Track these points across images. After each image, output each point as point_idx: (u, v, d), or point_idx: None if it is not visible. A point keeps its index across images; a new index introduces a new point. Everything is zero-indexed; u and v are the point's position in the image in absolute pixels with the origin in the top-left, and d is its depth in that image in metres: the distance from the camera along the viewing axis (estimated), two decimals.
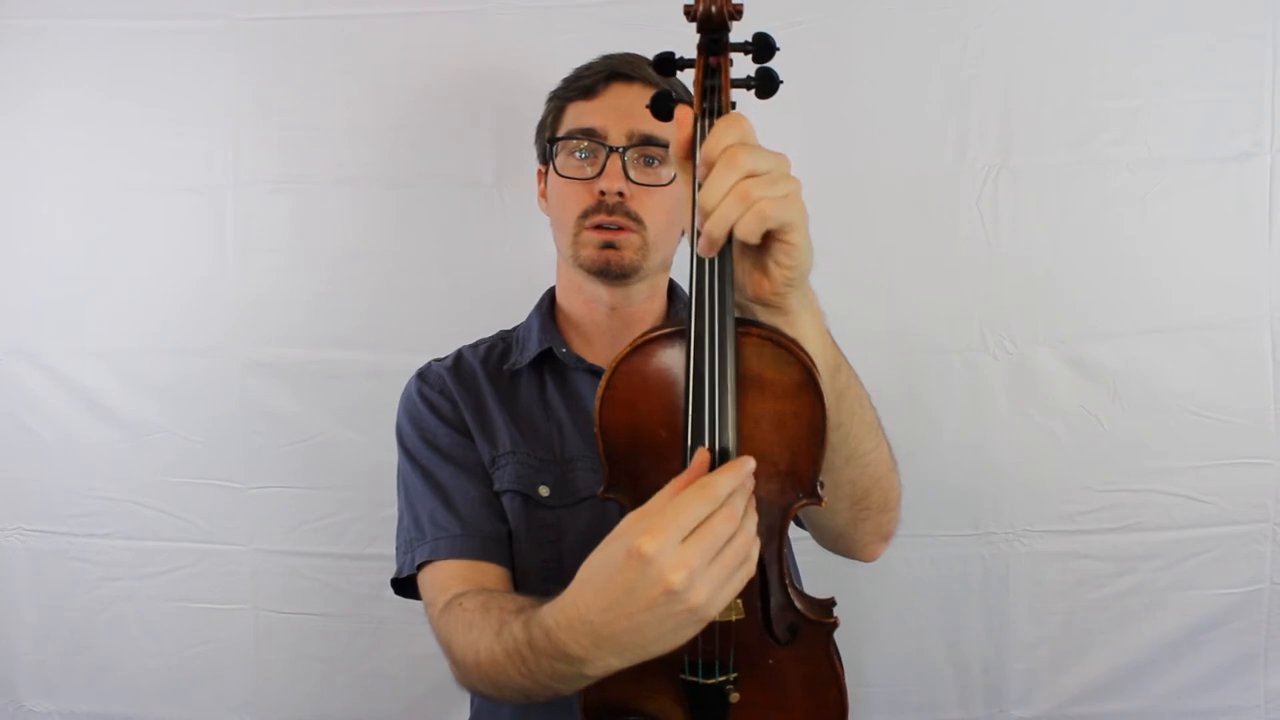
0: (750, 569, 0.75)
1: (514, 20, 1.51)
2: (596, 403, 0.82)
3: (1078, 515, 1.53)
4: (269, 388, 1.57)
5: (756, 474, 0.76)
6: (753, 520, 0.75)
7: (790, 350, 0.79)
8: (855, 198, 1.50)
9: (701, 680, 0.85)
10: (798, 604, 0.88)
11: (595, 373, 1.14)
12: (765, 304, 0.81)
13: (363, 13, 1.52)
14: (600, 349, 1.17)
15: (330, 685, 1.61)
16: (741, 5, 0.80)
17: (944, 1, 1.49)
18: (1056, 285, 1.51)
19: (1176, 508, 1.52)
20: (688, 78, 0.84)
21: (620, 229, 1.09)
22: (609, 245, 1.09)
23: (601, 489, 0.85)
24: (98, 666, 1.63)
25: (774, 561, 0.86)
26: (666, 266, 1.18)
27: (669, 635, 0.75)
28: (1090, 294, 1.50)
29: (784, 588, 0.87)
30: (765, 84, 0.81)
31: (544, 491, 1.09)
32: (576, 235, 1.10)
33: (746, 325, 0.80)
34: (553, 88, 1.19)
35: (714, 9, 0.79)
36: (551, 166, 1.15)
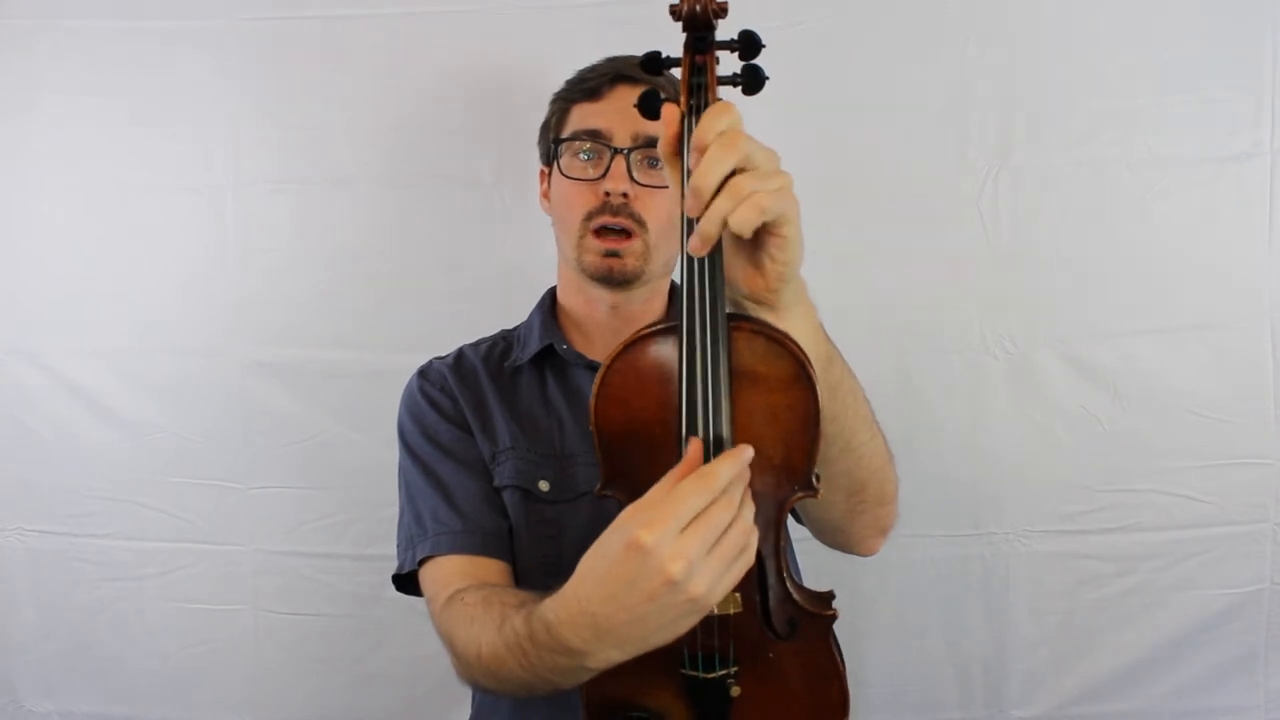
0: (749, 558, 0.75)
1: (514, 20, 1.51)
2: (591, 400, 0.83)
3: (1078, 515, 1.53)
4: (269, 387, 1.57)
5: (752, 468, 0.76)
6: (750, 509, 0.75)
7: (782, 344, 0.80)
8: (855, 198, 1.50)
9: (702, 675, 0.85)
10: (797, 597, 0.88)
11: (595, 369, 1.14)
12: (758, 299, 0.81)
13: (363, 13, 1.52)
14: (601, 346, 1.17)
15: (330, 685, 1.61)
16: (726, 4, 0.81)
17: (944, 1, 1.49)
18: (1056, 285, 1.51)
19: (1176, 508, 1.52)
20: (677, 76, 0.85)
21: (623, 234, 1.09)
22: (612, 254, 1.10)
23: (598, 486, 0.85)
24: (98, 666, 1.63)
25: (772, 555, 0.86)
26: (669, 269, 1.19)
27: (670, 626, 0.75)
28: (1090, 294, 1.50)
29: (782, 581, 0.87)
30: (751, 80, 0.82)
31: (544, 486, 1.10)
32: (580, 239, 1.11)
33: (738, 319, 0.80)
34: (553, 87, 1.19)
35: (699, 7, 0.80)
36: (555, 167, 1.15)
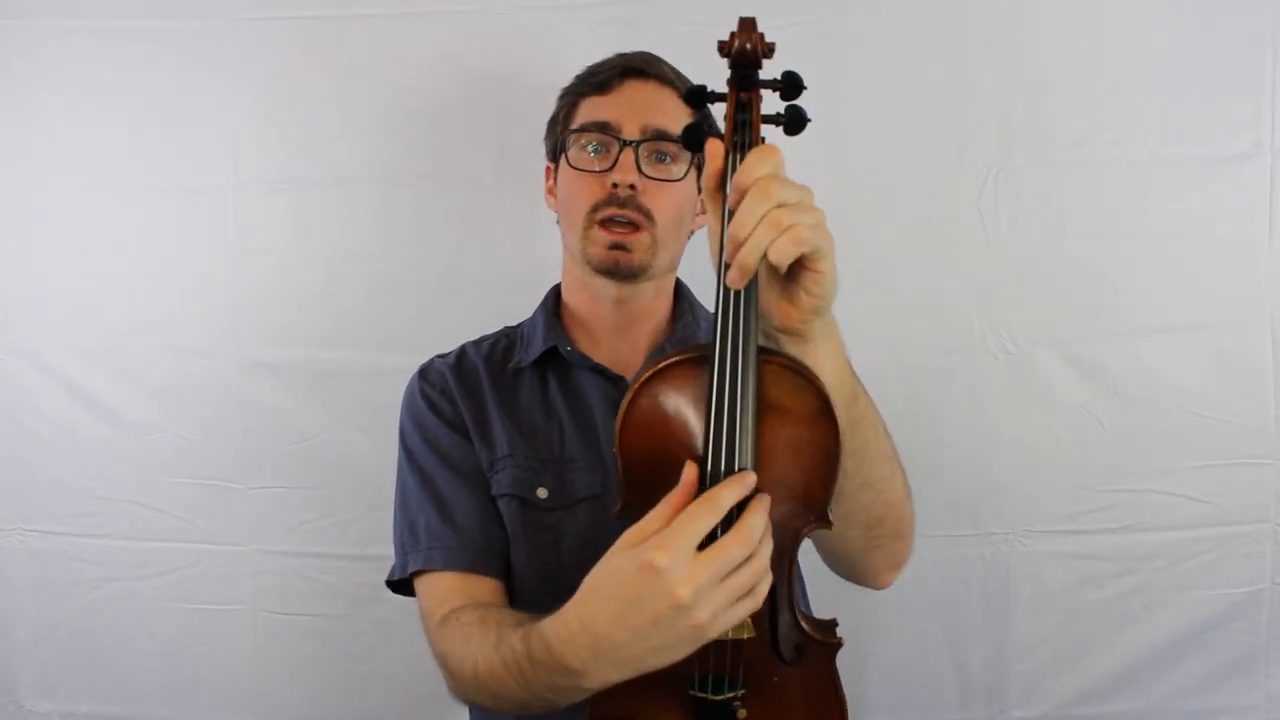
0: (757, 600, 0.77)
1: (514, 20, 1.51)
2: (617, 423, 0.84)
3: (1078, 515, 1.53)
4: (269, 387, 1.57)
5: (771, 497, 0.78)
6: (768, 549, 0.77)
7: (809, 379, 0.82)
8: (855, 198, 1.50)
9: (711, 696, 0.86)
10: (804, 625, 0.90)
11: (600, 371, 1.15)
12: (789, 332, 0.83)
13: (363, 13, 1.52)
14: (606, 346, 1.17)
15: (330, 685, 1.61)
16: (774, 44, 0.82)
17: (944, 2, 1.49)
18: (1056, 285, 1.51)
19: (1176, 508, 1.52)
20: (720, 111, 0.86)
21: (630, 226, 1.09)
22: (619, 246, 1.09)
23: (617, 508, 0.86)
24: (98, 667, 1.63)
25: (783, 582, 0.87)
26: (674, 266, 1.18)
27: (669, 650, 0.76)
28: (1090, 294, 1.50)
29: (792, 609, 0.89)
30: (794, 121, 0.84)
31: (542, 494, 1.09)
32: (586, 231, 1.10)
33: (768, 353, 0.82)
34: (554, 87, 1.19)
35: (748, 46, 0.81)
36: (563, 160, 1.14)
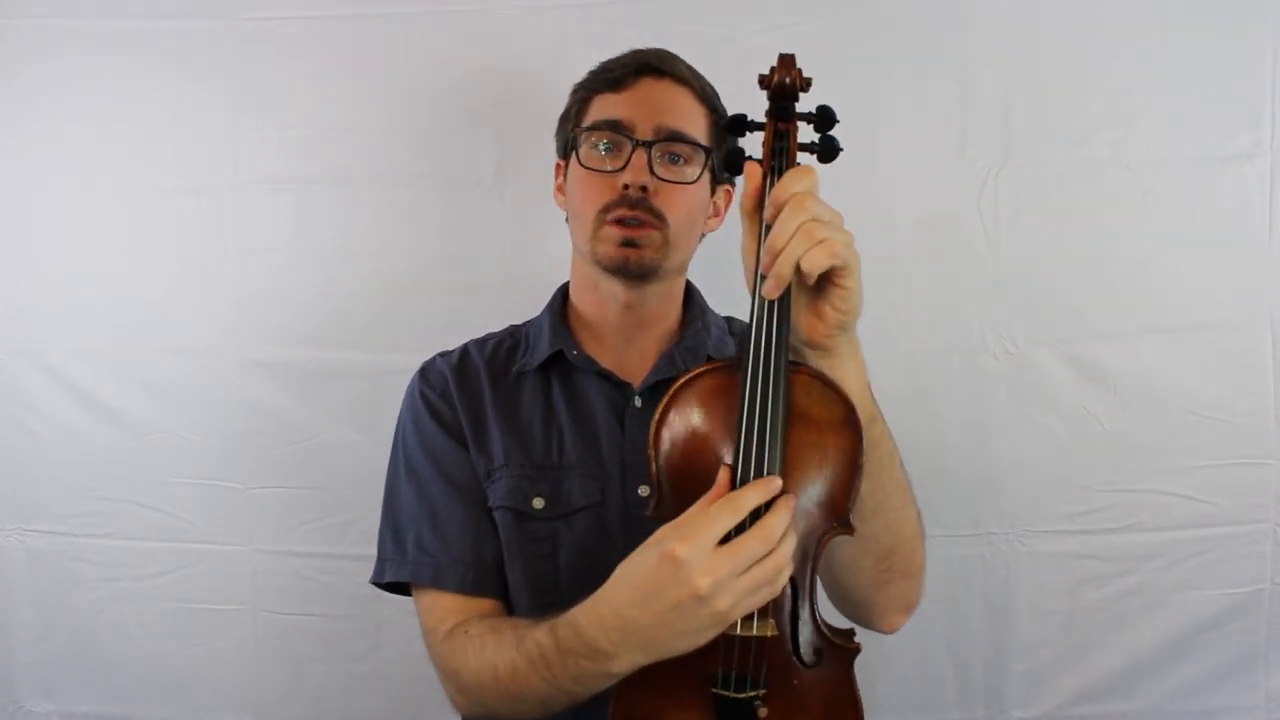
0: (775, 589, 0.81)
1: (514, 20, 1.51)
2: (653, 425, 0.88)
3: (1078, 515, 1.53)
4: (269, 387, 1.57)
5: (795, 499, 0.83)
6: (790, 544, 0.81)
7: (835, 389, 0.88)
8: (855, 198, 1.48)
9: (733, 694, 0.88)
10: (824, 628, 0.93)
11: (605, 376, 1.13)
12: (815, 346, 0.88)
13: (363, 13, 1.52)
14: (613, 350, 1.15)
15: (330, 685, 1.61)
16: (810, 79, 0.89)
17: (944, 2, 1.49)
18: (1056, 285, 1.51)
19: (1176, 508, 1.52)
20: (758, 139, 0.92)
21: (641, 225, 1.07)
22: (629, 243, 1.07)
23: (650, 509, 0.89)
24: (97, 667, 1.63)
25: (805, 586, 0.90)
26: (684, 268, 1.17)
27: (692, 635, 0.81)
28: (1090, 294, 1.50)
29: (813, 612, 0.92)
30: (826, 150, 0.90)
31: (538, 504, 1.08)
32: (596, 230, 1.08)
33: (797, 365, 0.88)
34: (554, 87, 1.19)
35: (788, 80, 0.88)
36: (574, 158, 1.12)
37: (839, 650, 0.93)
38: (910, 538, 1.00)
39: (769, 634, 0.87)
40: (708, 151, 1.10)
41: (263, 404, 1.57)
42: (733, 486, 0.83)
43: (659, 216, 1.07)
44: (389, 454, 1.17)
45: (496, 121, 1.52)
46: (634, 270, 1.08)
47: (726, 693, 0.88)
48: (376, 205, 1.55)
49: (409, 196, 1.55)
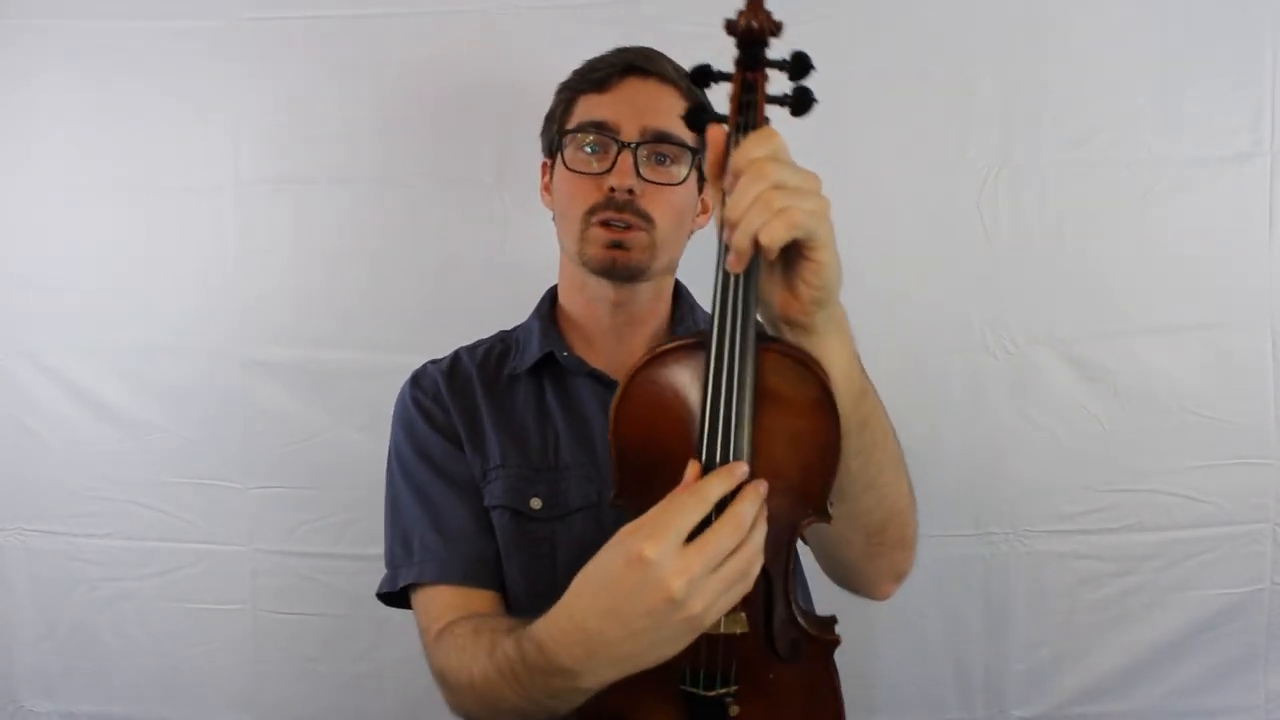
0: (748, 584, 0.75)
1: (513, 21, 1.51)
2: (612, 410, 0.82)
3: (1078, 515, 1.53)
4: (269, 388, 1.57)
5: (768, 489, 0.77)
6: (761, 533, 0.75)
7: (808, 367, 0.80)
8: (855, 198, 1.49)
9: (702, 692, 0.84)
10: (801, 621, 0.88)
11: (597, 377, 1.12)
12: (792, 323, 0.80)
13: (363, 13, 1.52)
14: (603, 351, 1.14)
15: (329, 685, 1.61)
16: (781, 22, 0.80)
17: (944, 1, 1.49)
18: (1056, 285, 1.51)
19: (1176, 508, 1.52)
20: (725, 91, 0.84)
21: (629, 228, 1.06)
22: (616, 245, 1.06)
23: (611, 495, 0.85)
24: (98, 667, 1.63)
25: (780, 576, 0.86)
26: (673, 268, 1.16)
27: (665, 644, 0.75)
28: (1090, 294, 1.50)
29: (789, 604, 0.87)
30: (800, 101, 0.81)
31: (535, 504, 1.07)
32: (583, 232, 1.07)
33: (768, 341, 0.80)
34: (554, 86, 1.17)
35: (755, 24, 0.79)
36: (559, 159, 1.11)
37: (817, 642, 0.89)
38: (903, 510, 0.95)
39: (738, 630, 0.82)
40: (694, 151, 1.09)
41: (263, 404, 1.57)
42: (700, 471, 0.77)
43: (646, 218, 1.06)
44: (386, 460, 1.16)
45: (496, 121, 1.52)
46: (621, 271, 1.07)
47: (695, 690, 0.84)
48: (376, 205, 1.55)
49: (409, 196, 1.55)
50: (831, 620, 0.92)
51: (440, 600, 1.03)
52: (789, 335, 0.81)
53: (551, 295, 1.21)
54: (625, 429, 0.82)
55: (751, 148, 0.74)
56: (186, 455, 1.58)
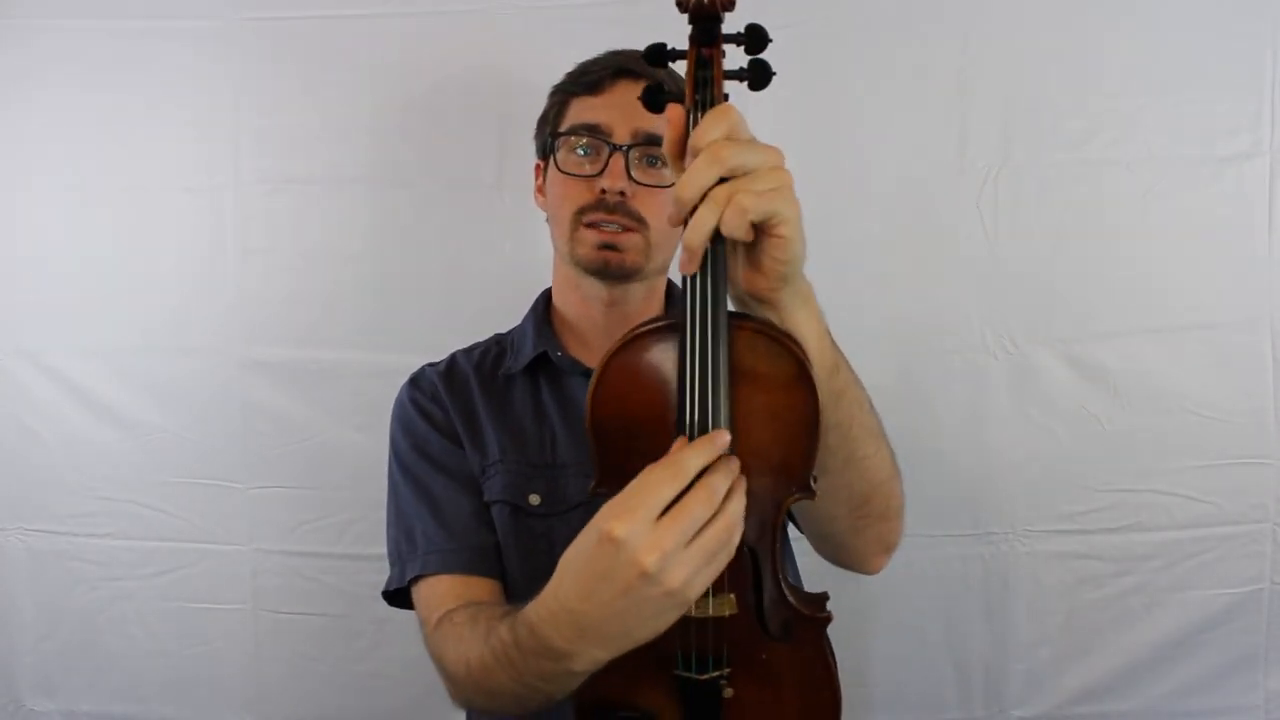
0: (730, 553, 0.73)
1: (514, 20, 1.51)
2: (588, 398, 0.81)
3: (1078, 515, 1.53)
4: (269, 388, 1.57)
5: (750, 468, 0.76)
6: (738, 503, 0.74)
7: (783, 344, 0.79)
8: (855, 198, 1.50)
9: (695, 676, 0.84)
10: (791, 599, 0.87)
11: (590, 376, 1.13)
12: (759, 299, 0.79)
13: (363, 13, 1.52)
14: (597, 350, 1.12)
15: (330, 685, 1.61)
16: None
17: (944, 1, 1.49)
18: (1056, 285, 1.51)
19: (1176, 508, 1.52)
20: (681, 69, 0.83)
21: (622, 230, 1.07)
22: (609, 246, 1.07)
23: (592, 484, 0.84)
24: (98, 666, 1.63)
25: (767, 556, 0.85)
26: (666, 268, 1.17)
27: (650, 621, 0.74)
28: (1090, 294, 1.50)
29: (778, 583, 0.86)
30: (758, 76, 0.80)
31: (534, 500, 1.07)
32: (573, 232, 1.08)
33: (740, 319, 0.79)
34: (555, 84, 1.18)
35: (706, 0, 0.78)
36: (552, 161, 1.12)
37: (809, 621, 0.87)
38: (885, 481, 0.94)
39: (727, 612, 0.81)
40: None
41: (263, 404, 1.57)
42: None
43: (639, 220, 1.07)
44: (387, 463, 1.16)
45: (496, 121, 1.53)
46: (615, 271, 1.08)
47: (688, 674, 0.84)
48: (376, 205, 1.55)
49: (409, 196, 1.55)
50: (823, 597, 0.91)
51: (441, 590, 1.04)
52: (757, 312, 0.81)
53: (546, 296, 1.22)
54: (602, 416, 0.81)
55: (708, 128, 0.72)
56: (186, 455, 1.58)
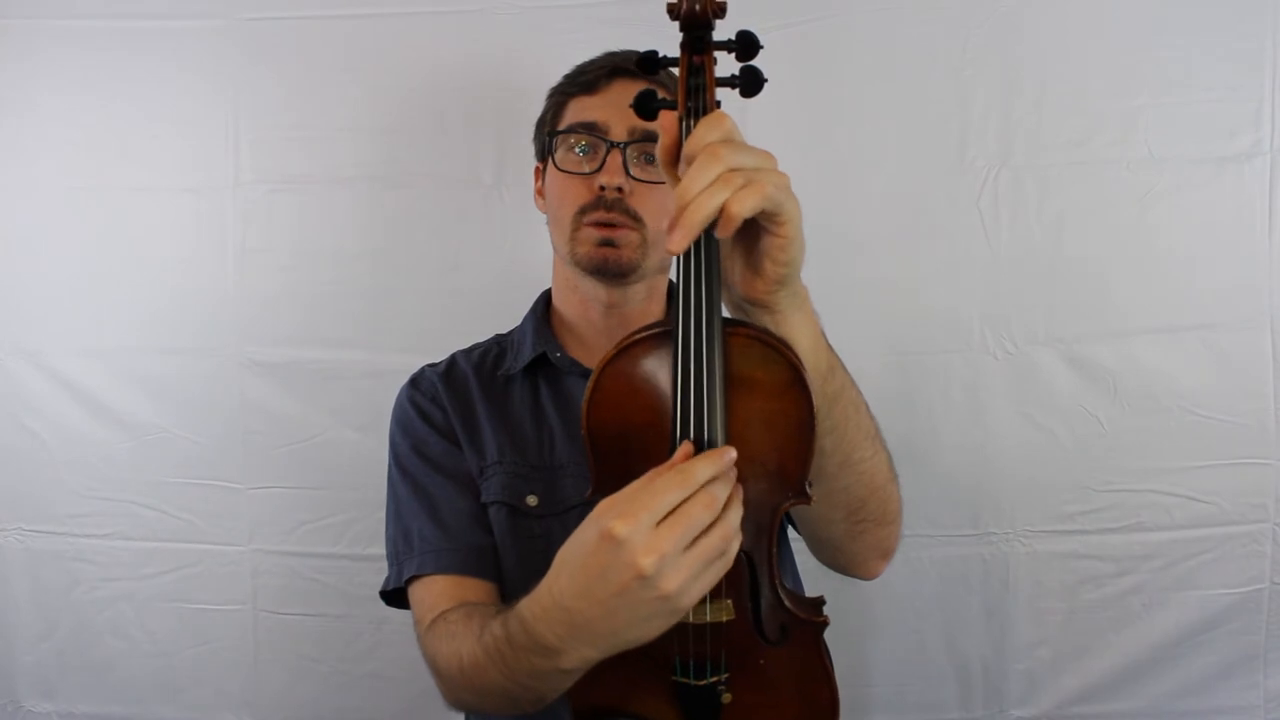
0: (727, 562, 0.73)
1: (513, 20, 1.51)
2: (583, 405, 0.81)
3: (1078, 515, 1.53)
4: (269, 387, 1.57)
5: (746, 474, 0.76)
6: (736, 513, 0.74)
7: (778, 349, 0.78)
8: (855, 198, 1.50)
9: (693, 682, 0.84)
10: (788, 603, 0.87)
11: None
12: (756, 303, 0.79)
13: (362, 13, 1.52)
14: (596, 351, 1.13)
15: (329, 686, 1.61)
16: (724, 3, 0.79)
17: (944, 1, 1.49)
18: (1056, 285, 1.51)
19: (1176, 508, 1.52)
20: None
21: (619, 227, 1.07)
22: (607, 243, 1.07)
23: (589, 491, 0.84)
24: (97, 667, 1.63)
25: (764, 561, 0.85)
26: (665, 267, 1.17)
27: (642, 624, 0.74)
28: (1090, 294, 1.50)
29: (775, 588, 0.86)
30: (749, 82, 0.80)
31: (532, 501, 1.07)
32: (574, 232, 1.09)
33: (734, 324, 0.79)
34: (552, 86, 1.19)
35: (697, 7, 0.78)
36: (550, 161, 1.13)
37: (806, 624, 0.87)
38: (882, 485, 0.94)
39: (725, 618, 0.81)
40: None
41: (263, 404, 1.57)
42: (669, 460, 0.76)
43: (636, 218, 1.07)
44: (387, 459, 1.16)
45: (496, 121, 1.53)
46: (613, 269, 1.08)
47: (685, 680, 0.83)
48: (376, 205, 1.55)
49: (409, 196, 1.55)
50: (820, 601, 0.90)
51: (436, 590, 1.04)
52: (752, 316, 0.80)
53: (546, 297, 1.22)
54: (598, 423, 0.81)
55: (704, 132, 0.72)
56: (186, 455, 1.58)
